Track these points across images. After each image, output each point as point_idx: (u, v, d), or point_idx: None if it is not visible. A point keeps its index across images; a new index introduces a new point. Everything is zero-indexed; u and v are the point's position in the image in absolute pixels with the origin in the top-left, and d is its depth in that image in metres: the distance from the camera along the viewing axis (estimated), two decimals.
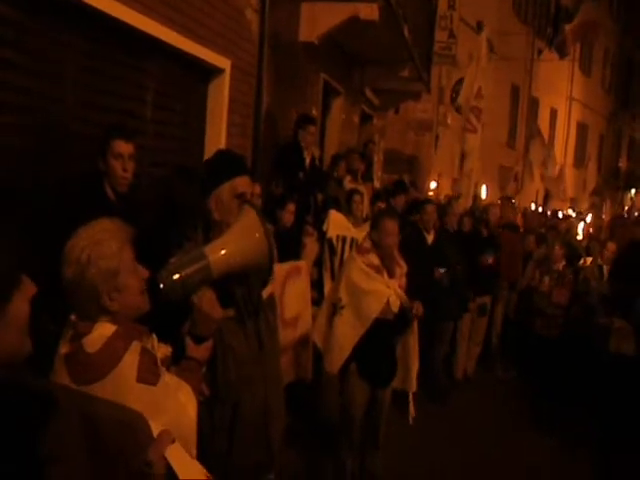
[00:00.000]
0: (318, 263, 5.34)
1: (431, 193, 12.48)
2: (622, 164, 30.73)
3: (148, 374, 1.66)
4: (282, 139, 6.18)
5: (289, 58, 6.35)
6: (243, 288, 2.34)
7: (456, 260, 6.15)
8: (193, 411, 1.77)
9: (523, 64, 20.28)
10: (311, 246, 5.21)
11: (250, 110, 5.50)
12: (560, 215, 14.09)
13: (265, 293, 2.49)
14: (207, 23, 4.58)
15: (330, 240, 5.37)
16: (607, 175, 29.19)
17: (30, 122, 3.21)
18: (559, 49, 18.77)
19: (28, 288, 1.34)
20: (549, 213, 14.93)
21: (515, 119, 21.28)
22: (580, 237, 10.88)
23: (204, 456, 1.75)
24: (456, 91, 12.36)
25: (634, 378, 4.55)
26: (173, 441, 1.55)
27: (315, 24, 6.41)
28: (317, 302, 4.67)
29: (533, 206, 16.96)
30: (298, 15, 6.41)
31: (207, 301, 2.00)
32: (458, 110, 10.45)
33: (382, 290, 3.62)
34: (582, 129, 26.91)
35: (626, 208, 24.76)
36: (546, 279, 6.48)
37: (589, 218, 14.31)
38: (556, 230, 9.31)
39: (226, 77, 5.02)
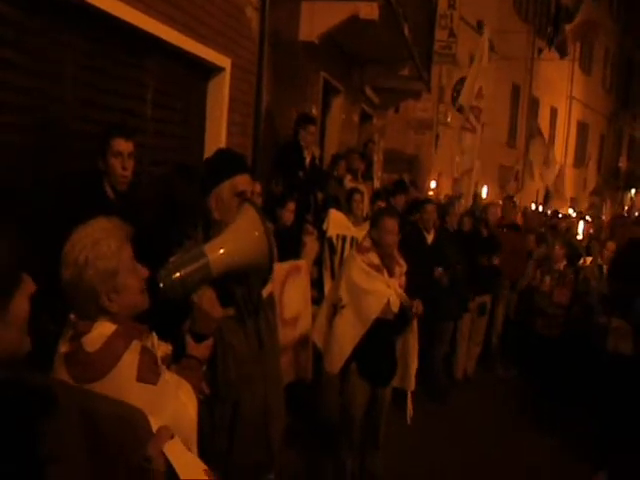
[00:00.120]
0: (318, 262, 5.33)
1: (431, 192, 12.48)
2: (622, 164, 30.73)
3: (148, 373, 1.66)
4: (282, 138, 6.18)
5: (289, 57, 6.34)
6: (243, 287, 2.33)
7: (456, 260, 6.14)
8: (193, 410, 1.76)
9: (523, 63, 20.28)
10: (311, 245, 5.21)
11: (250, 109, 5.49)
12: (560, 215, 14.09)
13: (265, 292, 2.49)
14: (207, 21, 4.58)
15: (330, 239, 5.37)
16: (607, 175, 29.19)
17: (30, 121, 3.20)
18: (559, 49, 18.78)
19: (28, 286, 1.34)
20: (549, 213, 14.93)
21: (515, 118, 21.28)
22: (580, 237, 10.87)
23: (204, 455, 1.74)
24: (457, 91, 12.34)
25: (632, 378, 4.55)
26: (172, 436, 1.54)
27: (315, 23, 6.41)
28: (317, 301, 4.67)
29: (533, 206, 16.96)
30: (298, 14, 6.41)
31: (207, 300, 2.00)
32: (460, 110, 10.43)
33: (382, 290, 3.62)
34: (582, 129, 26.92)
35: (626, 208, 24.78)
36: (547, 279, 6.48)
37: (589, 217, 14.31)
38: (556, 230, 9.31)
39: (226, 76, 5.02)
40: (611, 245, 7.12)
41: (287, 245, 4.43)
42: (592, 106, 27.18)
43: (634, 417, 4.38)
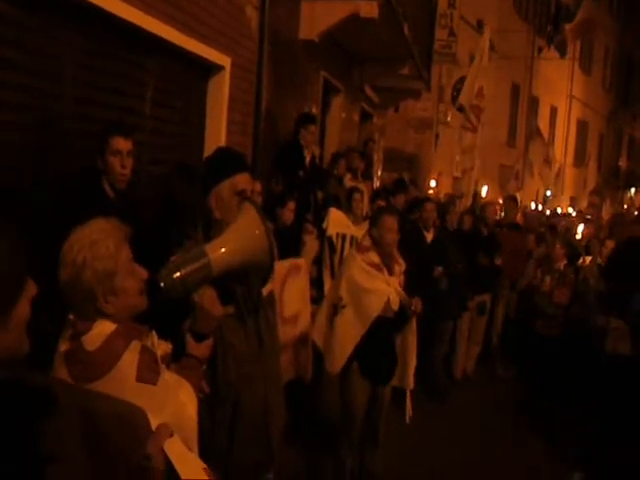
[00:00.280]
0: (318, 261, 5.33)
1: (431, 191, 12.47)
2: (622, 163, 30.73)
3: (148, 373, 1.65)
4: (282, 137, 6.18)
5: (289, 56, 6.34)
6: (243, 286, 2.33)
7: (456, 259, 6.14)
8: (193, 410, 1.76)
9: (523, 62, 20.26)
10: (311, 244, 5.21)
11: (250, 108, 5.49)
12: (559, 211, 14.08)
13: (265, 291, 2.48)
14: (207, 20, 4.57)
15: (330, 238, 5.36)
16: (607, 174, 29.19)
17: (29, 120, 3.20)
18: (559, 49, 18.77)
19: (31, 289, 1.32)
20: (548, 212, 14.93)
21: (515, 118, 21.27)
22: (579, 237, 10.87)
23: (204, 454, 1.74)
24: (457, 90, 12.34)
25: (631, 378, 4.54)
26: (171, 434, 1.54)
27: (315, 22, 6.41)
28: (316, 300, 4.66)
29: (533, 205, 16.96)
30: (298, 13, 6.41)
31: (208, 299, 1.99)
32: (460, 109, 10.42)
33: (382, 288, 3.61)
34: (582, 128, 26.91)
35: (625, 207, 24.76)
36: (547, 279, 6.48)
37: (589, 216, 14.30)
38: (555, 229, 9.30)
39: (226, 75, 5.01)
40: (610, 244, 7.12)
41: (287, 244, 4.43)
42: (592, 105, 27.18)
43: (633, 418, 4.38)
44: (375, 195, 6.67)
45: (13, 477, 1.19)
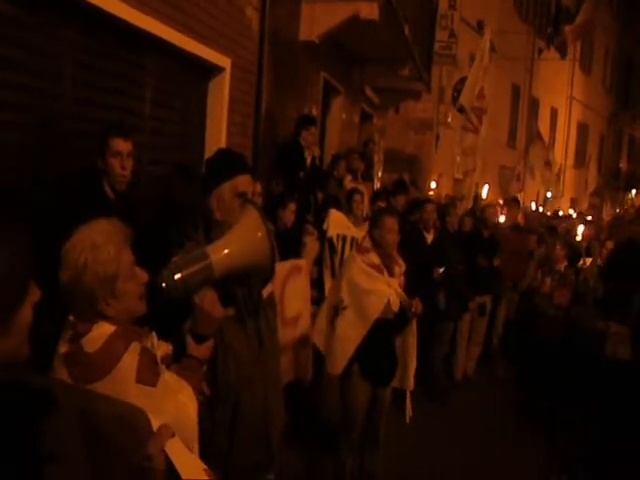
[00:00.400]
0: (318, 262, 5.33)
1: (431, 193, 12.47)
2: (622, 164, 30.73)
3: (148, 374, 1.65)
4: (282, 138, 6.18)
5: (289, 57, 6.34)
6: (243, 287, 2.33)
7: (457, 260, 6.14)
8: (194, 411, 1.76)
9: (523, 63, 20.26)
10: (311, 245, 5.21)
11: (250, 109, 5.49)
12: (560, 213, 14.09)
13: (265, 292, 2.48)
14: (207, 21, 4.57)
15: (330, 239, 5.37)
16: (608, 175, 29.19)
17: (28, 120, 3.20)
18: (559, 50, 18.78)
19: (34, 294, 1.31)
20: (549, 213, 14.93)
21: (516, 119, 21.26)
22: (579, 238, 10.87)
23: (204, 455, 1.74)
24: (457, 91, 12.34)
25: (631, 382, 4.54)
26: (172, 435, 1.54)
27: (315, 23, 6.42)
28: (317, 301, 4.66)
29: (534, 206, 16.96)
30: (298, 14, 6.41)
31: (208, 300, 1.99)
32: (460, 110, 10.42)
33: (383, 290, 3.61)
34: (582, 129, 26.91)
35: (625, 208, 24.75)
36: (548, 280, 6.48)
37: (590, 217, 14.31)
38: (555, 231, 9.30)
39: (226, 76, 5.01)
40: (610, 245, 7.12)
41: (287, 245, 4.43)
42: (592, 106, 27.17)
43: (633, 422, 4.38)
44: (375, 196, 6.66)
45: (13, 477, 1.19)
